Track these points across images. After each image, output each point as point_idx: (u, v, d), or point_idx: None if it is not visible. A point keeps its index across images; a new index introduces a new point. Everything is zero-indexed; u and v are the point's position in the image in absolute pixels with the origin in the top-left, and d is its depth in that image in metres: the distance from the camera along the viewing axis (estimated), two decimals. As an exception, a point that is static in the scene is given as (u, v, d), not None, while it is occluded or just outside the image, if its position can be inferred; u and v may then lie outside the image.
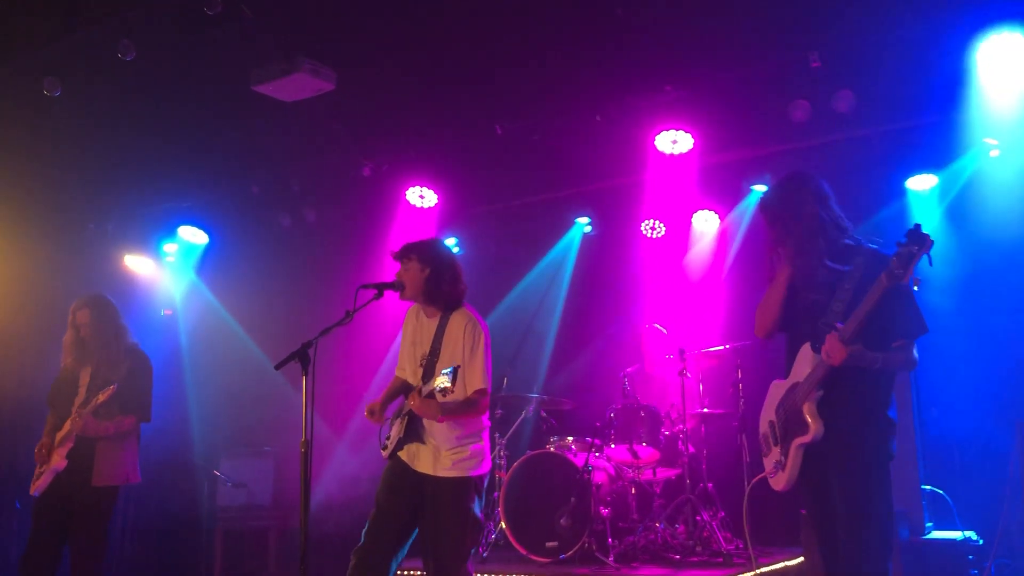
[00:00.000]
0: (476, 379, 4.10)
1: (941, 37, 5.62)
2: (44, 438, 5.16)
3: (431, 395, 4.01)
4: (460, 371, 4.00)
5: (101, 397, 4.93)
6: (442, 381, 3.88)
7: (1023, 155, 5.97)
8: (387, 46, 5.98)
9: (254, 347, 8.59)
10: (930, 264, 3.17)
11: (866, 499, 3.42)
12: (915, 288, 3.23)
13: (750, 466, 6.52)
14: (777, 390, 3.73)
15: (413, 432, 4.14)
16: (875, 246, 3.57)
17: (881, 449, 3.49)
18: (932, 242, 3.14)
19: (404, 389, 4.34)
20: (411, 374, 4.30)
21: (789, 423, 3.59)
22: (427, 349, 4.22)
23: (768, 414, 3.75)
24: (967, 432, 5.89)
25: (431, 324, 4.26)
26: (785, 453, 3.59)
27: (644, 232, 8.17)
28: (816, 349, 3.49)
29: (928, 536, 5.35)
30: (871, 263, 3.46)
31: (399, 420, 4.22)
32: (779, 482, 3.64)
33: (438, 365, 4.12)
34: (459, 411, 4.08)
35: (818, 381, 3.47)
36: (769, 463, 3.71)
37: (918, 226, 3.18)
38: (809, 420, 3.48)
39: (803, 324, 3.62)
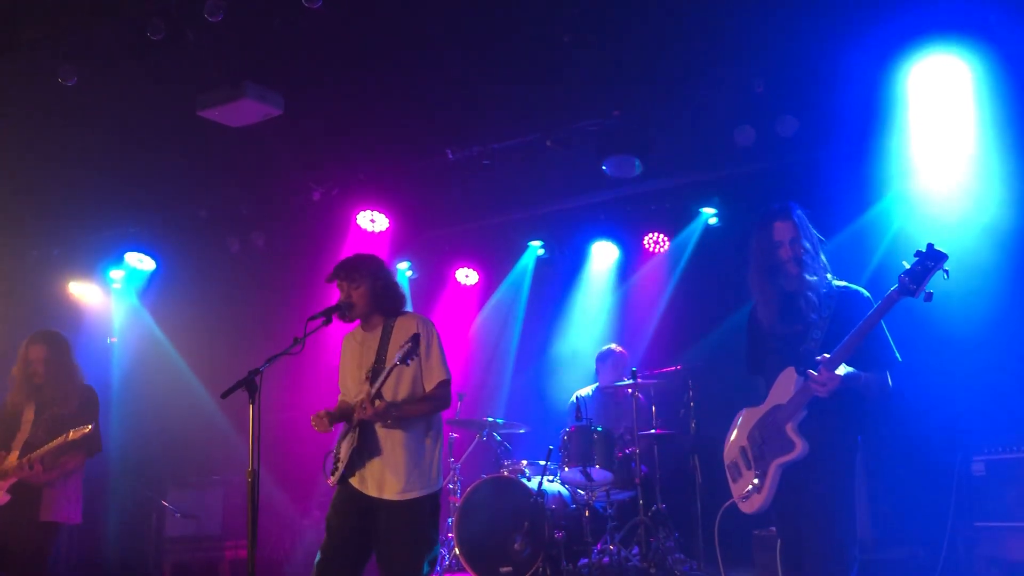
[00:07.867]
0: (437, 372, 4.09)
1: (881, 62, 5.76)
2: None
3: (379, 395, 3.92)
4: (418, 358, 3.97)
5: (72, 435, 4.79)
6: (399, 354, 3.83)
7: (963, 175, 6.09)
8: (336, 70, 5.95)
9: (202, 374, 8.45)
10: (946, 277, 3.26)
11: (831, 520, 3.50)
12: (927, 301, 3.27)
13: (703, 487, 6.57)
14: (750, 416, 3.76)
15: (365, 449, 4.00)
16: (843, 284, 3.72)
17: (849, 472, 3.58)
18: (946, 257, 3.26)
19: (350, 411, 4.15)
20: (356, 392, 4.15)
21: (767, 444, 3.63)
22: (373, 359, 4.12)
23: (739, 440, 3.78)
24: (912, 448, 5.97)
25: (374, 336, 4.18)
26: (762, 475, 3.62)
27: (594, 255, 8.23)
28: (801, 373, 3.54)
29: (876, 554, 5.42)
30: (844, 297, 3.64)
31: (347, 438, 4.07)
32: (753, 504, 3.65)
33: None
34: (421, 407, 4.03)
35: (806, 402, 3.53)
36: (741, 488, 3.72)
37: (931, 245, 3.30)
38: (795, 439, 3.54)
39: (782, 353, 3.68)
